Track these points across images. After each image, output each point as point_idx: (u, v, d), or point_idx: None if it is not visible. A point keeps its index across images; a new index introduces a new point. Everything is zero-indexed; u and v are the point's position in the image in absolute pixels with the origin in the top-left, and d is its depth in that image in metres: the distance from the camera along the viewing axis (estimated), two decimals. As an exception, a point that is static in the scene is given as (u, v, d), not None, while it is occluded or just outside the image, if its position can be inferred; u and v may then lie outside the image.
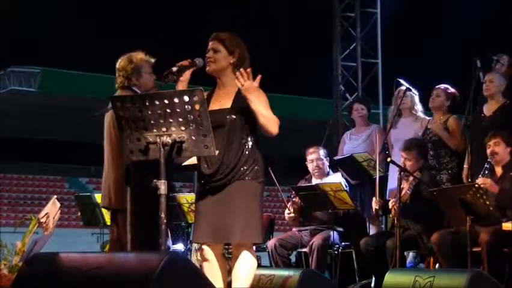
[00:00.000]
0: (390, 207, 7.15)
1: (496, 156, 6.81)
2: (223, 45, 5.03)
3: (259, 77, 4.87)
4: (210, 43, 5.08)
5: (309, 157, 8.23)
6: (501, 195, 6.58)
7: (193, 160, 5.46)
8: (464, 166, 7.48)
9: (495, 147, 6.83)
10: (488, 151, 6.85)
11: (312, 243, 7.68)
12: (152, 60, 5.99)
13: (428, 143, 7.80)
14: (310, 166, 8.21)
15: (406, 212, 7.08)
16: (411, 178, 7.25)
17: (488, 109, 7.54)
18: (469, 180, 6.94)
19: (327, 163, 8.24)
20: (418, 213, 7.15)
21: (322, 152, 8.25)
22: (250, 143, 4.96)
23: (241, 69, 4.88)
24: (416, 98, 8.29)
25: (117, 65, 5.94)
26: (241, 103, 4.95)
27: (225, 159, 4.89)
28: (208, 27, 5.45)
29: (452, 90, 8.00)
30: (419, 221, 7.16)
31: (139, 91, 5.78)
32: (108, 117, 5.76)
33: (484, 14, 21.57)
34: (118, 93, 5.80)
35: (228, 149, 4.89)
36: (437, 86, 8.05)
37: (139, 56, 5.94)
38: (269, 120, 4.89)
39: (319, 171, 8.15)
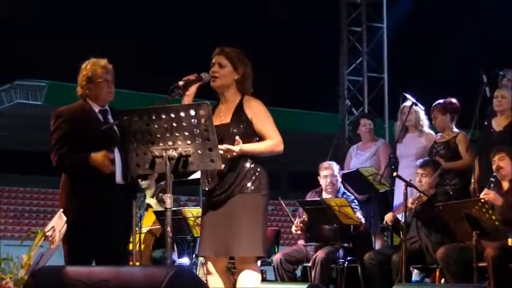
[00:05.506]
0: (410, 203, 7.04)
1: (501, 170, 6.84)
2: (229, 60, 4.99)
3: (237, 138, 4.81)
4: (215, 57, 5.03)
5: (323, 173, 8.17)
6: (506, 209, 6.58)
7: (199, 174, 5.45)
8: (472, 181, 7.48)
9: (500, 162, 6.86)
10: (494, 166, 6.87)
11: (316, 257, 7.67)
12: (109, 66, 5.49)
13: (435, 156, 7.76)
14: (324, 182, 8.15)
15: (422, 213, 7.06)
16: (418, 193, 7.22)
17: (497, 124, 7.54)
18: (476, 194, 6.93)
19: (340, 179, 8.22)
20: (434, 220, 7.07)
21: (336, 168, 8.22)
22: (251, 157, 4.92)
23: (223, 147, 4.71)
24: (422, 113, 8.22)
25: None
26: (240, 117, 4.95)
27: (224, 174, 4.87)
28: (214, 43, 5.39)
29: (444, 103, 7.93)
30: (433, 228, 7.10)
31: (91, 101, 5.47)
32: None
33: (492, 29, 21.58)
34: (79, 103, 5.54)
35: (227, 164, 4.85)
36: (432, 105, 8.00)
37: (90, 63, 5.52)
38: (268, 151, 4.92)
39: (332, 188, 8.10)
